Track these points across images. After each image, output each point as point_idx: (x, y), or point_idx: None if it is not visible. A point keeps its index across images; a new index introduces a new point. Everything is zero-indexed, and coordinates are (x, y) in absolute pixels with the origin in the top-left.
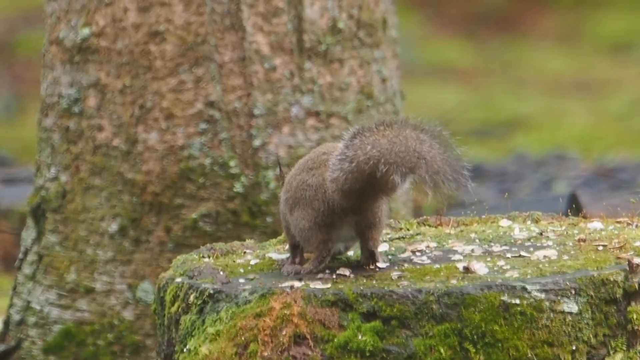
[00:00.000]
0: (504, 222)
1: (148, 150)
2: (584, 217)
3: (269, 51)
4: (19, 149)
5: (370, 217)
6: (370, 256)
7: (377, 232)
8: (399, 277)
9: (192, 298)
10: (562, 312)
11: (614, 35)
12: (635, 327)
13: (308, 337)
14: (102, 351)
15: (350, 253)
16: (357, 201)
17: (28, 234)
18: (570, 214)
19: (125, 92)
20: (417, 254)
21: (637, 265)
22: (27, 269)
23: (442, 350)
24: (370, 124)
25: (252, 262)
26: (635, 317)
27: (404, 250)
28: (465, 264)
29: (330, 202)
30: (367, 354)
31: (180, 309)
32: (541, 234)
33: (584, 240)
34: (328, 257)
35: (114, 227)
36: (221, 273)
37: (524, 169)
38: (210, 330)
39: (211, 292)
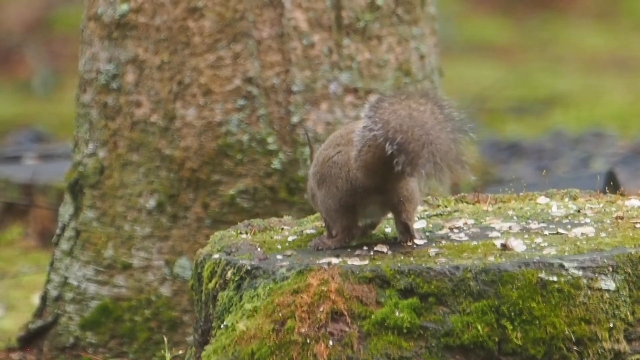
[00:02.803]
0: (542, 200)
1: (186, 126)
2: (622, 194)
3: (308, 27)
4: (57, 124)
5: (400, 193)
6: (404, 230)
7: (410, 205)
8: (437, 254)
9: (229, 274)
10: (600, 290)
11: None
12: None
13: (345, 313)
14: (139, 327)
15: (388, 230)
16: (380, 181)
17: (66, 210)
18: (607, 191)
19: (163, 68)
20: (455, 230)
21: None
22: (64, 245)
23: (479, 327)
24: (389, 97)
25: (290, 239)
26: None
27: (442, 227)
28: (502, 241)
29: (353, 182)
30: (405, 331)
31: (217, 285)
32: (579, 211)
33: (622, 218)
34: (350, 241)
35: (151, 203)
36: (259, 249)
37: (562, 146)
38: (248, 306)
39: (249, 268)
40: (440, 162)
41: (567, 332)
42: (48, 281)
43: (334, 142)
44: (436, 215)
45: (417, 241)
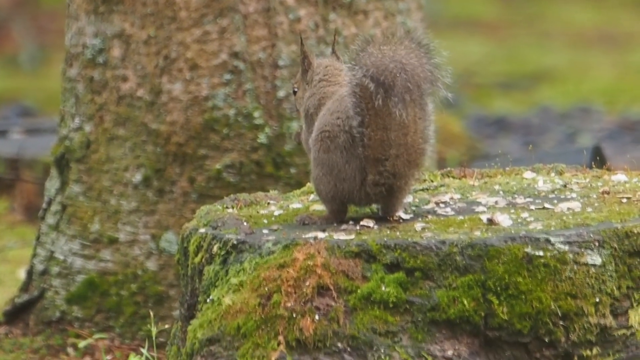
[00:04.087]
0: (528, 174)
1: (172, 100)
2: (608, 169)
3: (294, 2)
4: (43, 99)
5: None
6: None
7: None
8: (423, 229)
9: (215, 248)
10: (586, 264)
11: None
12: None
13: (331, 288)
14: (125, 301)
15: (374, 205)
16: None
17: (52, 184)
18: (594, 166)
19: (149, 42)
20: (441, 205)
21: None
22: (50, 219)
23: (465, 302)
24: (368, 42)
25: (276, 213)
26: None
27: (428, 202)
28: (489, 216)
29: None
30: (391, 305)
31: (203, 260)
32: (565, 186)
33: (608, 193)
34: (340, 224)
35: (137, 177)
36: (245, 224)
37: (549, 121)
38: (234, 280)
39: (235, 242)
40: (413, 87)
41: (553, 307)
42: (34, 255)
43: (334, 120)
44: (422, 189)
45: (403, 216)
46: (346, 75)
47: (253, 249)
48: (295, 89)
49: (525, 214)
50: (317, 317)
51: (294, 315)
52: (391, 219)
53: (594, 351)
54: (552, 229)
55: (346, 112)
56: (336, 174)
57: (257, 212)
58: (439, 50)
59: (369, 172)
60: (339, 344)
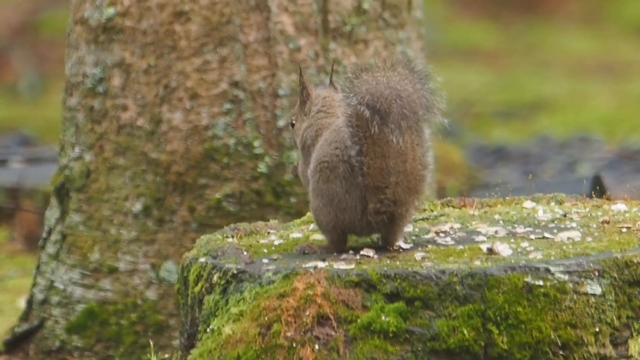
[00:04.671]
0: (528, 204)
1: (172, 130)
2: (608, 199)
3: (294, 31)
4: (43, 128)
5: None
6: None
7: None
8: (423, 258)
9: (215, 278)
10: (586, 294)
11: (638, 17)
12: None
13: (331, 317)
14: (125, 331)
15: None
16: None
17: (52, 214)
18: (594, 195)
19: (149, 71)
20: (441, 235)
21: None
22: (50, 249)
23: (465, 332)
24: (362, 70)
25: (276, 243)
26: None
27: (428, 231)
28: (489, 245)
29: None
30: (391, 335)
31: (203, 289)
32: (565, 215)
33: (608, 222)
34: (340, 254)
35: (137, 206)
36: (245, 253)
37: (548, 150)
38: (234, 310)
39: (235, 272)
40: (409, 113)
41: (553, 337)
42: (34, 285)
43: (332, 150)
44: (422, 219)
45: (403, 245)
46: (341, 104)
47: (253, 279)
48: (294, 122)
49: (525, 244)
50: (317, 346)
51: (294, 345)
52: (391, 248)
53: None
54: (552, 258)
55: (344, 141)
56: (336, 204)
57: (257, 241)
58: (434, 76)
59: (369, 200)
60: None
